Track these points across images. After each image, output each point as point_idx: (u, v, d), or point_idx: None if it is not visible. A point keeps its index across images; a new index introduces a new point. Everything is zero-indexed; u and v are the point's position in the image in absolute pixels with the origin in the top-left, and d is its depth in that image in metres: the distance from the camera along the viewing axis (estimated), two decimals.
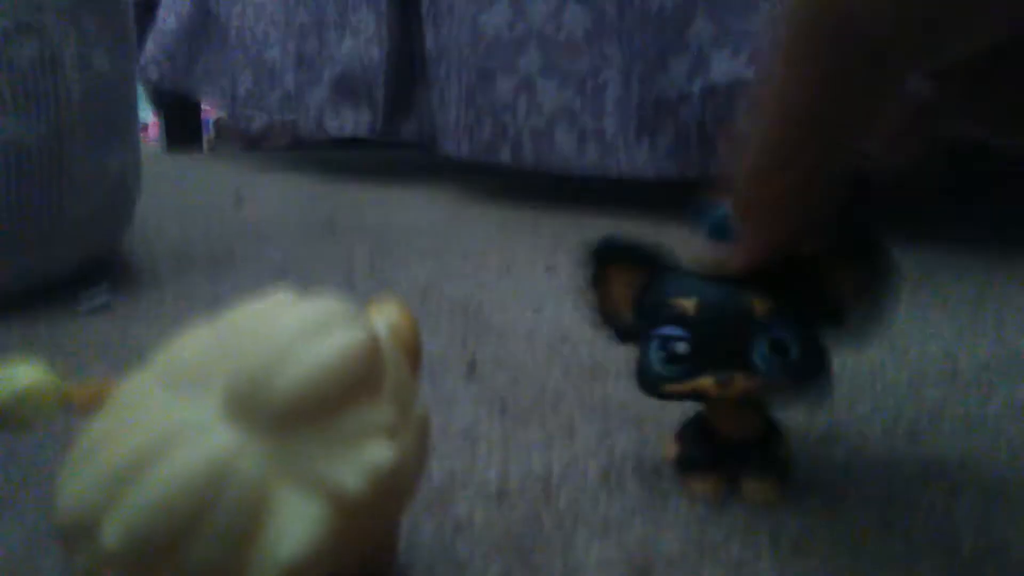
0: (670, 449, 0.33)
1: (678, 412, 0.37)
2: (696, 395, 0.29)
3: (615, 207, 0.96)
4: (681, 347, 0.28)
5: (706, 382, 0.28)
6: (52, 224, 0.51)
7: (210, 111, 1.98)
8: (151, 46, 1.55)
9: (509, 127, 0.99)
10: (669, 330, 0.29)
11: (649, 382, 0.29)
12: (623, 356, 0.46)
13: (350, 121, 1.21)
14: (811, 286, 0.29)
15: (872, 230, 0.29)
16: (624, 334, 0.31)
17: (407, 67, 1.16)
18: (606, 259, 0.31)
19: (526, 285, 0.62)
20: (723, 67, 0.76)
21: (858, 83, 0.24)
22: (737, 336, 0.28)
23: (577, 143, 0.93)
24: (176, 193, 1.06)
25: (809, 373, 0.28)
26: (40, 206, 0.49)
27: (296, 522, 0.19)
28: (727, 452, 0.30)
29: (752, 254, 0.28)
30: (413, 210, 0.98)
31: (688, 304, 0.28)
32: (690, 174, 0.82)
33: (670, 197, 0.85)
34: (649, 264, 0.30)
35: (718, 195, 0.29)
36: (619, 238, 0.31)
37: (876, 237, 0.29)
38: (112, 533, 0.18)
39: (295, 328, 0.20)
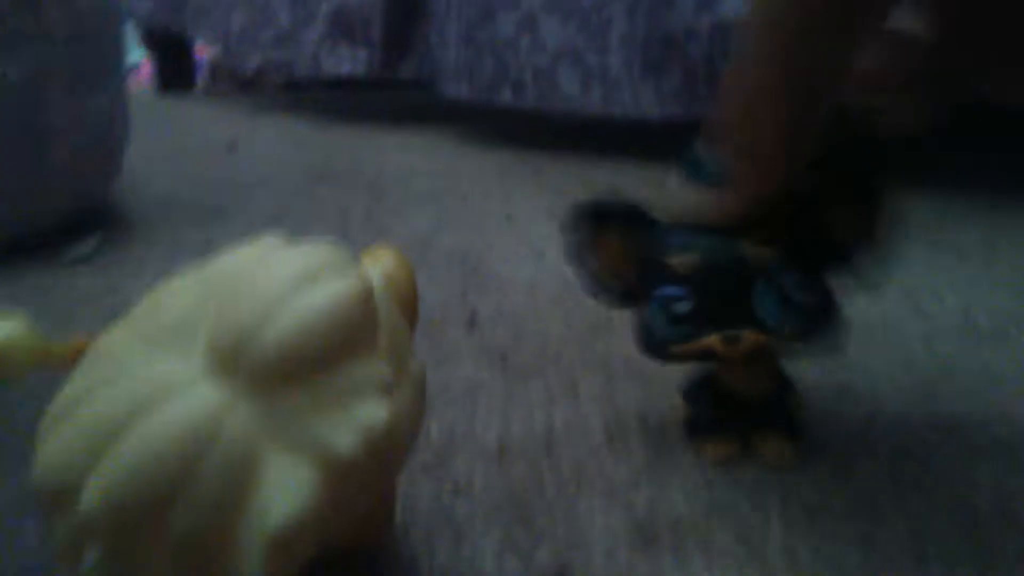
0: (677, 408, 0.32)
1: (683, 367, 0.36)
2: (704, 355, 0.28)
3: (620, 151, 0.93)
4: (682, 307, 0.27)
5: (713, 340, 0.26)
6: (34, 170, 0.49)
7: (204, 51, 1.93)
8: None
9: (511, 66, 0.96)
10: (668, 290, 0.27)
11: (654, 346, 0.28)
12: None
13: (346, 60, 1.18)
14: (808, 230, 0.27)
15: (866, 166, 0.27)
16: (622, 298, 0.30)
17: (406, 2, 1.13)
18: (596, 224, 0.29)
19: (528, 234, 0.60)
20: (733, 1, 0.73)
21: (836, 17, 0.23)
22: (738, 288, 0.26)
23: (581, 82, 0.90)
24: (167, 138, 1.04)
25: (816, 318, 0.27)
26: (20, 151, 0.48)
27: (286, 487, 0.18)
28: (739, 411, 0.29)
29: (745, 196, 0.26)
30: (411, 155, 0.96)
31: (684, 261, 0.27)
32: (698, 115, 0.80)
33: (676, 139, 0.82)
34: (639, 223, 0.29)
35: (703, 138, 0.27)
36: (605, 201, 0.29)
37: (870, 173, 0.27)
38: (91, 497, 0.17)
39: (284, 277, 0.19)
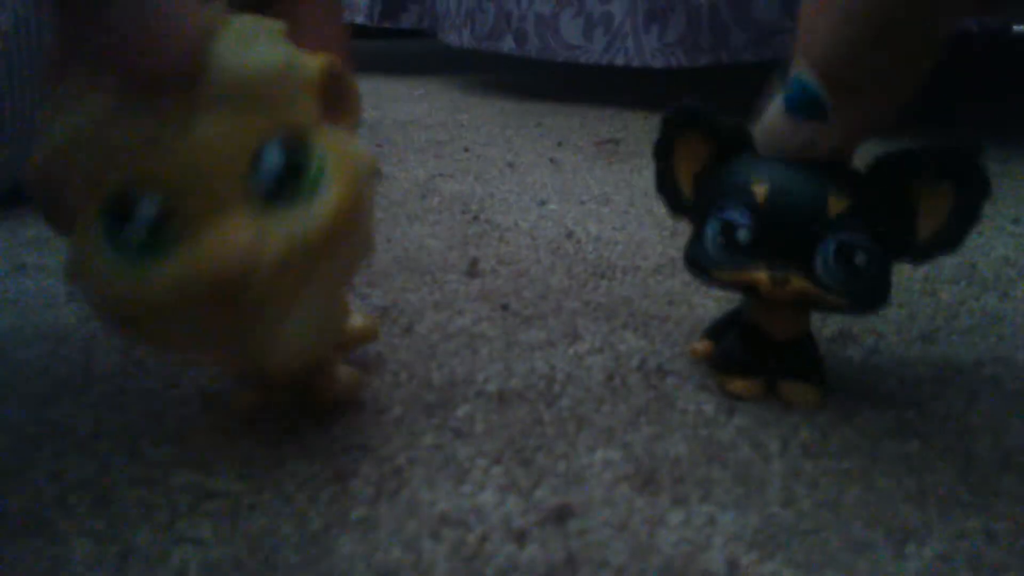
0: (699, 346, 0.32)
1: (685, 310, 0.36)
2: (746, 289, 0.27)
3: (622, 100, 0.92)
4: (742, 234, 0.26)
5: (760, 276, 0.26)
6: (33, 115, 0.48)
7: None
8: None
9: (512, 14, 0.94)
10: (732, 214, 0.27)
11: (699, 264, 0.28)
12: (629, 253, 0.44)
13: (348, 8, 1.16)
14: (894, 204, 0.27)
15: (973, 149, 0.26)
16: (678, 208, 0.30)
17: None
18: (678, 126, 0.29)
19: (529, 180, 0.60)
20: None
21: None
22: (804, 233, 0.26)
23: (583, 31, 0.89)
24: None
25: (873, 290, 0.26)
26: (17, 96, 0.47)
27: None
28: (767, 352, 0.29)
29: (851, 132, 0.25)
30: (412, 104, 0.95)
31: (758, 190, 0.26)
32: (701, 63, 0.79)
33: (679, 88, 0.81)
34: (722, 138, 0.28)
35: (797, 66, 0.26)
36: (696, 106, 0.28)
37: (975, 155, 0.26)
38: None
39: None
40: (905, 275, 0.41)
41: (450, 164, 0.65)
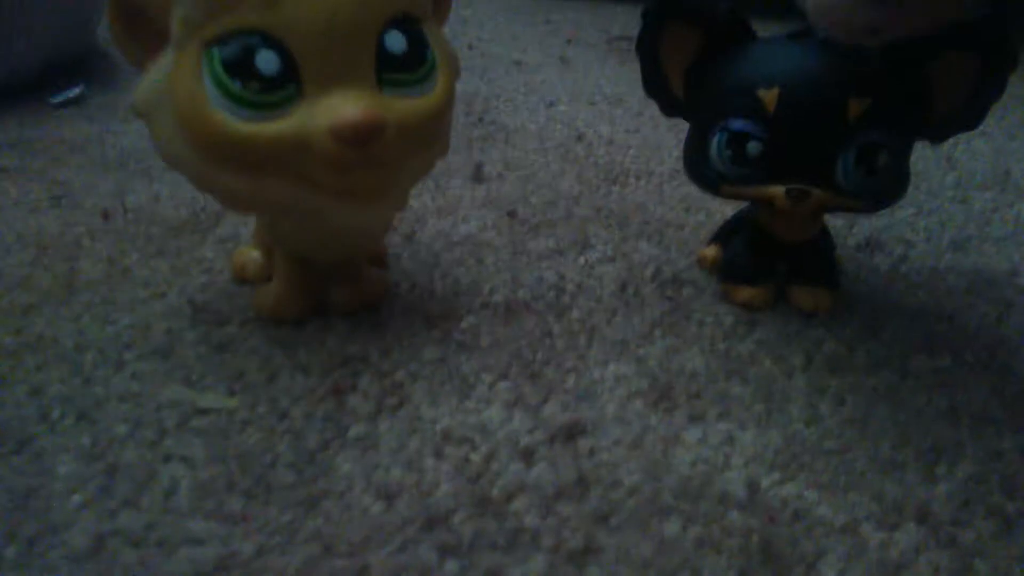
0: (708, 252, 0.30)
1: (702, 216, 0.35)
2: (758, 201, 0.25)
3: None
4: (753, 147, 0.24)
5: (777, 192, 0.24)
6: (13, 11, 0.45)
7: None
8: None
9: None
10: (741, 124, 0.24)
11: (706, 178, 0.26)
12: (643, 157, 0.42)
13: None
14: (915, 84, 0.24)
15: (998, 19, 0.23)
16: (672, 108, 0.27)
17: None
18: (661, 18, 0.26)
19: (538, 80, 0.57)
20: None
21: None
22: (822, 142, 0.23)
23: None
24: None
25: (895, 189, 0.25)
26: None
27: None
28: (777, 257, 0.27)
29: (920, 23, 0.22)
30: None
31: (768, 96, 0.24)
32: None
33: None
34: (714, 26, 0.25)
35: None
36: None
37: (1001, 26, 0.23)
38: None
39: None
40: (936, 181, 0.39)
41: None
